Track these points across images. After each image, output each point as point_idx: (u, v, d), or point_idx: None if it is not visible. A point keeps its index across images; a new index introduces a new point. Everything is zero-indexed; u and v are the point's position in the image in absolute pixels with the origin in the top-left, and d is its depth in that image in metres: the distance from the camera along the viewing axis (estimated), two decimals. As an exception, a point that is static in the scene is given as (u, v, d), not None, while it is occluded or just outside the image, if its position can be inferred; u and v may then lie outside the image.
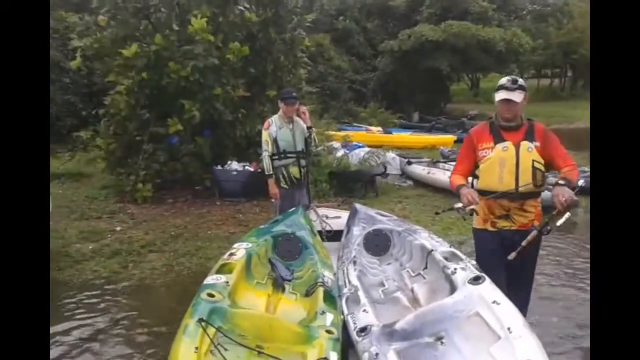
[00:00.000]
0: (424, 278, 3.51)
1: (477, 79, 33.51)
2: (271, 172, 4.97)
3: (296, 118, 5.08)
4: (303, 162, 5.11)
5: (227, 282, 2.93)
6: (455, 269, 3.06)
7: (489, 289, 2.68)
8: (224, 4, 7.85)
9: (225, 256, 3.44)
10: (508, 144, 2.87)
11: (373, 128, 16.37)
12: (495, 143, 2.90)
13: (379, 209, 5.21)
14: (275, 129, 4.96)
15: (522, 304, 2.89)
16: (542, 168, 2.90)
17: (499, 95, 2.88)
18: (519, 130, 2.92)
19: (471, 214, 2.97)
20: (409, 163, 9.83)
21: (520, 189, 2.87)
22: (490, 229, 3.01)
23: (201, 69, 7.26)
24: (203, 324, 2.40)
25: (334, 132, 11.96)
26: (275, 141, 4.95)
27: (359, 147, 10.63)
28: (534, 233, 2.83)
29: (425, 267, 3.56)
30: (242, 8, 7.88)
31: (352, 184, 8.38)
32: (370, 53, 26.49)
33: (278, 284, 3.41)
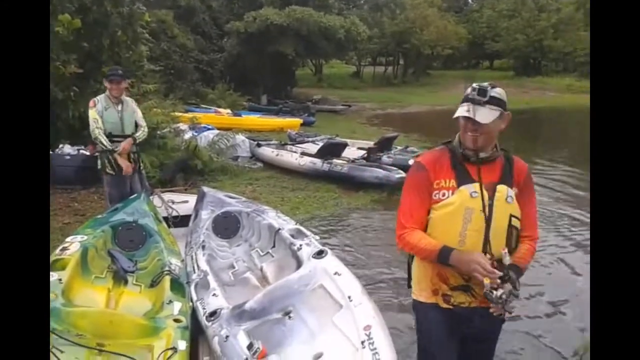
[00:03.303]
0: (273, 256, 3.62)
1: (320, 64, 34.86)
2: (111, 148, 4.53)
3: (126, 99, 4.71)
4: (133, 147, 4.73)
5: (60, 280, 2.70)
6: (300, 245, 3.20)
7: (331, 261, 2.86)
8: (51, -28, 6.96)
9: (57, 251, 3.12)
10: (477, 187, 1.87)
11: (222, 110, 16.08)
12: (459, 183, 1.89)
13: (229, 192, 5.19)
14: (101, 109, 4.51)
15: None
16: (519, 227, 1.94)
17: (460, 111, 1.87)
18: (492, 166, 1.93)
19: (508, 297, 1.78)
20: (259, 145, 9.91)
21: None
22: (443, 305, 1.99)
23: (23, 42, 6.38)
24: (32, 327, 2.17)
25: (180, 114, 11.43)
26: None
27: (208, 129, 10.37)
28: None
29: (274, 246, 3.67)
30: (72, -23, 7.07)
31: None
32: (216, 33, 25.81)
33: (119, 277, 3.20)
